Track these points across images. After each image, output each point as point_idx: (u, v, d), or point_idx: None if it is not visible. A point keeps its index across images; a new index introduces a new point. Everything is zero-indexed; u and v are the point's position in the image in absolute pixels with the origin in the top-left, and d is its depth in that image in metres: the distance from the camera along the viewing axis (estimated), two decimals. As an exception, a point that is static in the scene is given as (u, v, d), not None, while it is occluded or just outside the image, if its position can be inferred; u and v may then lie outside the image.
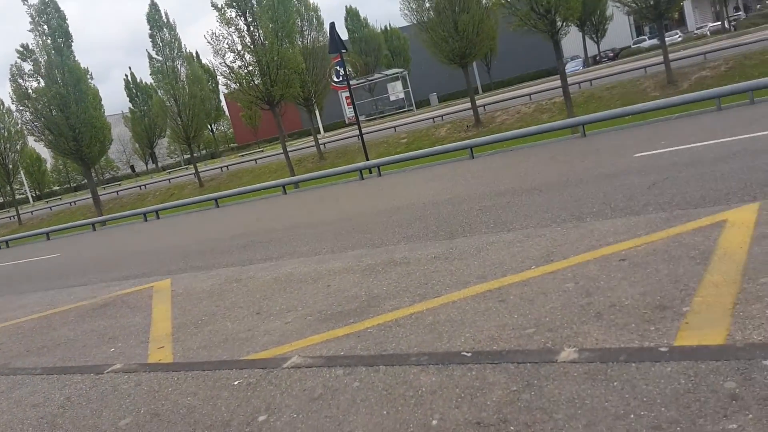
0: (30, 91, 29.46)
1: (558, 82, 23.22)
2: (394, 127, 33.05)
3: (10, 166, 39.50)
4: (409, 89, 51.12)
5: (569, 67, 45.57)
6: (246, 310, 5.52)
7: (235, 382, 3.55)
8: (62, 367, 4.75)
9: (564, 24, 20.39)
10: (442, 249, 6.20)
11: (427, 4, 24.66)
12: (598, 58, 53.34)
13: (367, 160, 20.81)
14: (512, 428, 2.42)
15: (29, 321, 7.38)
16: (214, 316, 5.55)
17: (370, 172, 19.26)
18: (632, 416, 2.33)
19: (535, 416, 2.47)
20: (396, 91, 51.09)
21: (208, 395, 3.45)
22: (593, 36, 50.30)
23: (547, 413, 2.47)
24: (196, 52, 54.24)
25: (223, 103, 73.36)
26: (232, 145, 79.51)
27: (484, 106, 30.89)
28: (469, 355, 3.25)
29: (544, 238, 5.61)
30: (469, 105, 27.81)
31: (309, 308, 5.10)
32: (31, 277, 12.50)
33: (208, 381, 3.68)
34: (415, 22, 25.77)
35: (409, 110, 49.45)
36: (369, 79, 52.64)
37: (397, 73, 51.56)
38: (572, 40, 44.93)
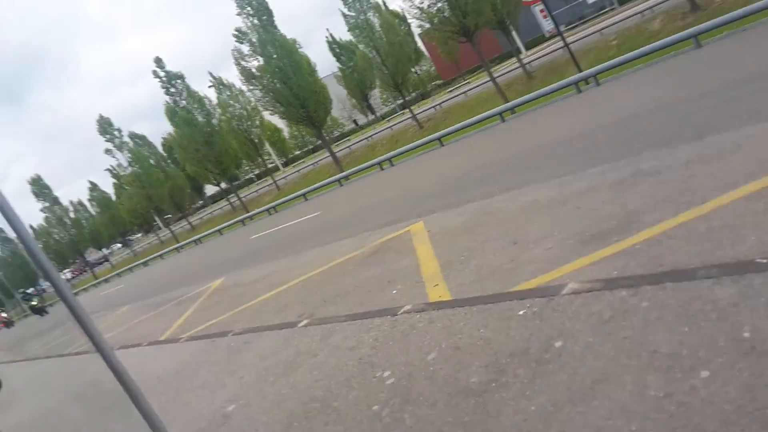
0: (254, 70, 32.55)
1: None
2: (600, 30, 30.56)
3: (256, 140, 44.51)
4: (607, -14, 46.60)
5: None
6: (503, 242, 5.72)
7: (520, 312, 3.80)
8: (362, 313, 5.43)
9: None
10: (693, 151, 5.82)
11: None
12: None
13: (580, 71, 19.68)
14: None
15: (316, 275, 8.35)
16: (474, 251, 5.84)
17: (587, 83, 18.24)
18: None
19: None
20: (592, -9, 46.92)
21: (498, 327, 3.75)
22: None
23: None
24: (383, 0, 54.85)
25: (419, 43, 73.82)
26: (437, 82, 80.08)
27: (700, -16, 27.09)
28: (766, 261, 3.11)
29: (819, 121, 4.99)
30: (682, -13, 24.62)
31: (565, 232, 5.14)
32: (305, 236, 13.94)
33: (494, 313, 3.98)
34: None
35: (611, 9, 45.21)
36: (561, -15, 48.96)
37: (590, -30, 47.24)
38: None
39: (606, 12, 45.04)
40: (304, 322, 6.05)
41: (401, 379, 3.66)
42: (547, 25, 40.77)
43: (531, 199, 6.92)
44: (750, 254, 3.27)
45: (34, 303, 41.93)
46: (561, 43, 21.77)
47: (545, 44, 43.77)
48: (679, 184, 5.05)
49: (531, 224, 5.89)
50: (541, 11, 39.72)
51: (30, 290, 57.13)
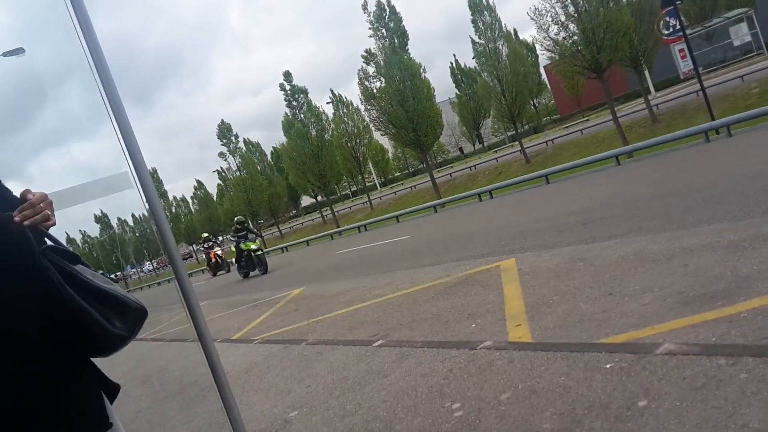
0: (375, 91, 33.38)
1: None
2: (742, 76, 28.89)
3: (360, 158, 45.57)
4: (757, 30, 43.99)
5: None
6: (597, 291, 5.46)
7: (607, 366, 3.60)
8: (439, 342, 5.35)
9: None
10: (826, 220, 5.33)
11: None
12: None
13: (713, 118, 18.66)
14: None
15: (396, 297, 8.33)
16: (565, 296, 5.62)
17: (717, 133, 17.25)
18: None
19: None
20: (740, 34, 44.41)
21: (581, 377, 3.57)
22: None
23: None
24: (514, 30, 54.84)
25: (543, 75, 72.99)
26: (554, 116, 78.75)
27: None
28: None
29: None
30: (843, 38, 22.92)
31: (666, 289, 4.84)
32: (391, 257, 14.05)
33: (579, 362, 3.80)
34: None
35: (758, 54, 42.69)
36: (706, 25, 46.80)
37: (740, 13, 44.79)
38: None
39: (752, 57, 42.46)
40: (379, 342, 6.04)
41: (470, 413, 3.55)
42: (684, 65, 38.80)
43: (635, 250, 6.59)
44: None
45: (254, 248, 21.53)
46: (695, 87, 20.77)
47: (678, 86, 41.90)
48: (802, 254, 4.64)
49: (630, 276, 5.59)
50: (681, 51, 37.87)
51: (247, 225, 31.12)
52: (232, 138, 51.15)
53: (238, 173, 51.73)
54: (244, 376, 6.55)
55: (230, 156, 51.47)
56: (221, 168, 54.96)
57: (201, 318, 2.84)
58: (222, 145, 50.95)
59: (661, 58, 31.78)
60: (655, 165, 16.12)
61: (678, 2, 20.48)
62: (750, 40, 44.58)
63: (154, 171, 64.12)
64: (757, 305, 3.90)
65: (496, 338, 4.93)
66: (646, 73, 33.75)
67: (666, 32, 27.02)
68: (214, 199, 67.96)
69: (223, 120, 50.78)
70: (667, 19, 25.58)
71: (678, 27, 21.81)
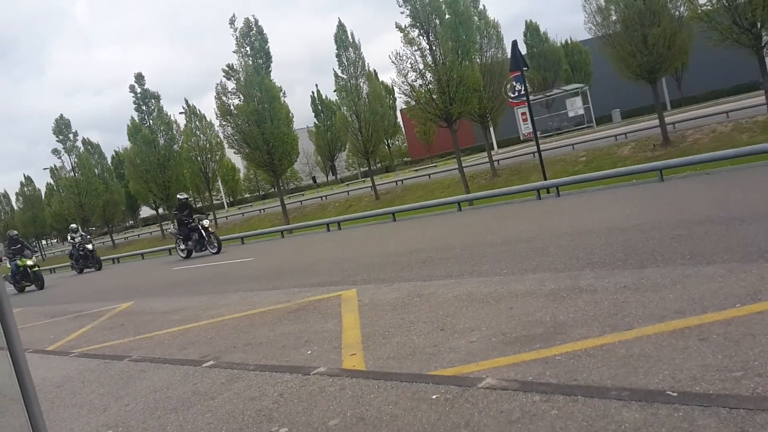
0: (232, 107, 32.57)
1: (761, 99, 21.16)
2: (572, 144, 32.03)
3: (210, 174, 44.05)
4: (590, 105, 49.28)
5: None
6: (430, 326, 5.69)
7: (433, 396, 3.74)
8: (274, 366, 5.27)
9: (772, 38, 18.68)
10: (631, 278, 5.96)
11: (614, 17, 23.72)
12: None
13: (545, 178, 20.40)
14: (727, 477, 2.33)
15: (233, 319, 8.13)
16: (400, 329, 5.79)
17: (548, 192, 18.86)
18: None
19: (753, 468, 2.36)
20: (575, 107, 49.54)
21: (408, 406, 3.68)
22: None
23: (767, 466, 2.35)
24: (375, 70, 56.58)
25: (399, 118, 75.82)
26: (405, 159, 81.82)
27: (673, 123, 28.97)
28: (675, 395, 3.16)
29: (751, 275, 5.20)
30: (655, 122, 26.26)
31: (492, 329, 5.16)
32: (232, 278, 13.65)
33: (407, 392, 3.91)
34: (599, 35, 25.00)
35: (588, 127, 47.72)
36: (547, 94, 51.58)
37: (577, 88, 50.01)
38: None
39: (583, 128, 47.31)
40: (210, 362, 5.83)
41: (296, 439, 3.51)
42: (525, 128, 42.16)
43: (468, 290, 6.96)
44: (661, 386, 3.32)
45: (30, 263, 23.32)
46: (532, 148, 22.64)
47: (517, 146, 45.53)
48: (611, 307, 5.14)
49: (462, 314, 5.89)
50: (523, 114, 41.14)
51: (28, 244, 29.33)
52: (70, 136, 47.31)
53: (72, 174, 47.76)
54: (56, 390, 6.00)
55: (65, 154, 47.48)
56: (54, 166, 50.39)
57: (12, 324, 2.57)
58: (57, 141, 46.92)
59: (506, 118, 34.36)
60: (491, 214, 17.21)
61: (525, 69, 22.30)
62: (583, 113, 49.75)
63: (-28, 160, 57.67)
64: (570, 349, 4.26)
65: (331, 365, 4.95)
66: (491, 129, 36.19)
67: (512, 95, 29.27)
68: (43, 198, 62.21)
69: (62, 115, 46.95)
70: (514, 83, 27.79)
71: (523, 92, 23.68)
